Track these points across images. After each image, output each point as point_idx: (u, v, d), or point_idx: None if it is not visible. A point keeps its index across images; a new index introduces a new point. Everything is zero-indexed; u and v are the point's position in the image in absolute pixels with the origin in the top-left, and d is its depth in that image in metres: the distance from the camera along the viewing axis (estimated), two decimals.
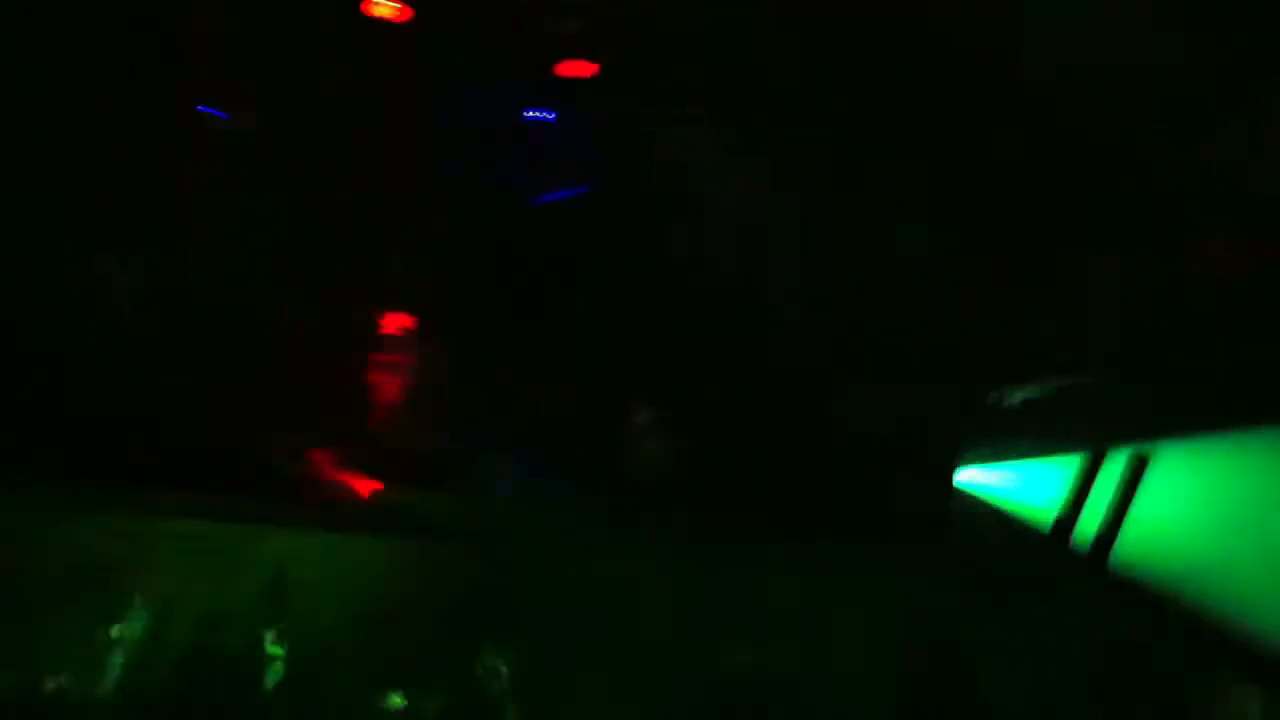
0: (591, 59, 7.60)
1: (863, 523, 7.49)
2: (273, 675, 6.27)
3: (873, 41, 7.23)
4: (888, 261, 7.61)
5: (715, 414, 7.74)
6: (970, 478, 7.81)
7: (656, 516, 7.29)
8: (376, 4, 7.36)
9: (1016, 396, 7.76)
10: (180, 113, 7.19)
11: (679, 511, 7.34)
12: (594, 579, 6.82)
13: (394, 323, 7.37)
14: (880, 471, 7.70)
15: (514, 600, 6.71)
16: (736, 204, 7.69)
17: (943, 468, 7.81)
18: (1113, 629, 7.07)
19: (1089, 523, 7.42)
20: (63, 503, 6.37)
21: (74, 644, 6.21)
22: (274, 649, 6.39)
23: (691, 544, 7.19)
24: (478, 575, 6.79)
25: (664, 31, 7.38)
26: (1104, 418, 7.52)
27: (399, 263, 7.64)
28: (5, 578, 6.10)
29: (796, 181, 7.56)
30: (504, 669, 6.39)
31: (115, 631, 6.34)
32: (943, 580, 7.33)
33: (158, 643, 6.39)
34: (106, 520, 6.42)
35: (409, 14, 7.32)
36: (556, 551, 6.92)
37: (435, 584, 6.70)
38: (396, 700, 6.32)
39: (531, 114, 7.76)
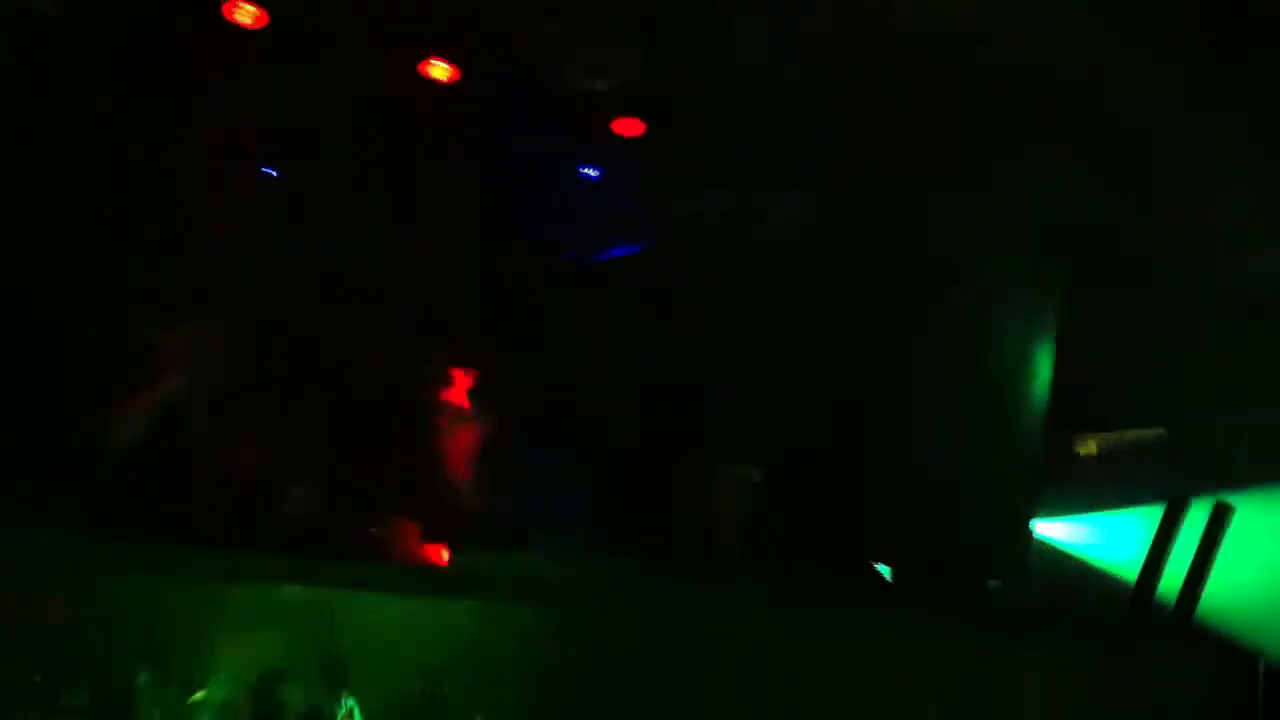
0: (640, 117, 7.62)
1: (939, 582, 7.23)
2: None
3: (924, 95, 7.09)
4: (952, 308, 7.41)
5: (787, 471, 7.58)
6: (1050, 531, 7.54)
7: (732, 578, 7.10)
8: (432, 66, 7.45)
9: (1095, 445, 7.48)
10: (237, 172, 7.34)
11: (756, 572, 7.14)
12: (672, 643, 6.64)
13: (459, 386, 7.34)
14: (958, 526, 7.45)
15: (586, 664, 6.56)
16: (794, 256, 7.60)
17: (1021, 521, 7.51)
18: (1199, 691, 6.67)
19: (1172, 578, 7.06)
20: (132, 563, 6.39)
21: (150, 708, 6.19)
22: (346, 713, 6.33)
23: (772, 606, 6.97)
24: (552, 638, 6.66)
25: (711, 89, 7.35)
26: (1184, 464, 7.19)
27: (461, 327, 7.64)
28: (78, 639, 6.13)
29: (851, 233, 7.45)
30: None
31: (194, 696, 6.33)
32: (1020, 640, 6.99)
33: (231, 709, 6.38)
34: (180, 582, 6.41)
35: (458, 74, 7.38)
36: (631, 614, 6.76)
37: (510, 647, 6.59)
38: None
39: (583, 172, 7.80)
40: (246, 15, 6.93)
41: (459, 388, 7.35)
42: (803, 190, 7.62)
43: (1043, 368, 7.48)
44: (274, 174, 7.44)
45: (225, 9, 6.91)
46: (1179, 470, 7.36)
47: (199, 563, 6.41)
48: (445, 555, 6.74)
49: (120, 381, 6.45)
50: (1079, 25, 6.40)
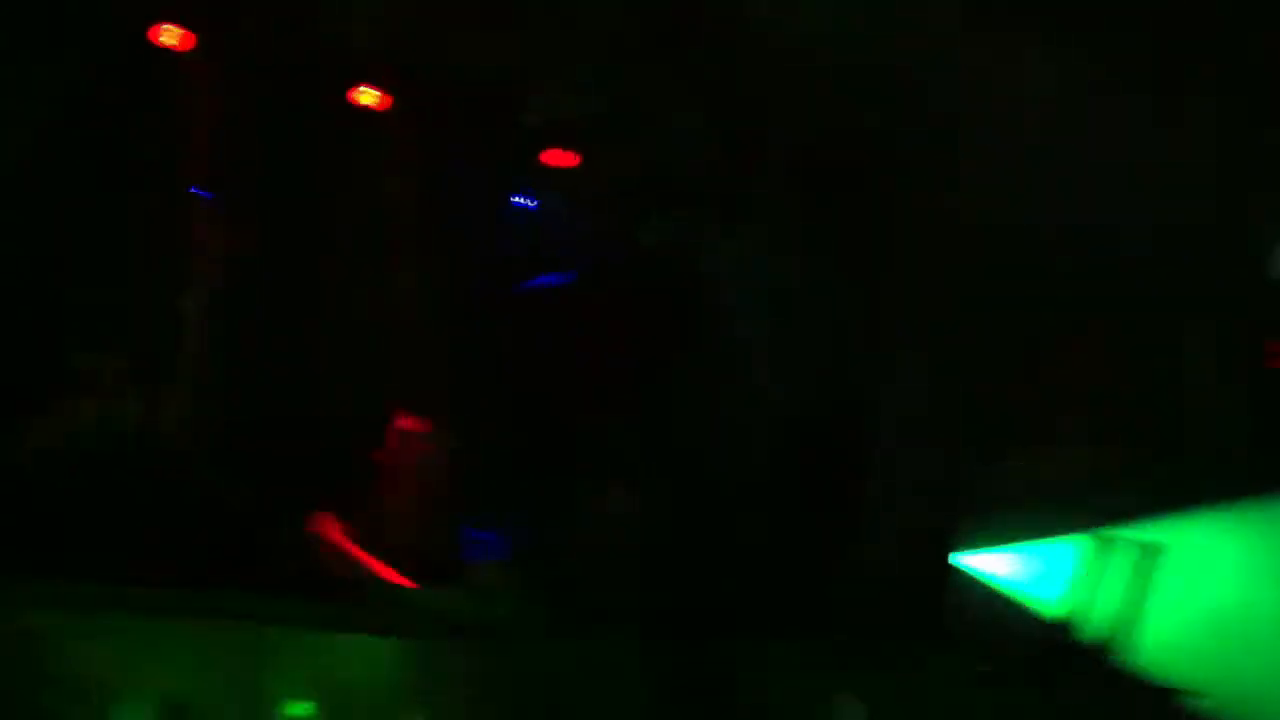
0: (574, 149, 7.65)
1: (856, 613, 7.24)
2: None
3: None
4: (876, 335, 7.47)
5: (717, 502, 7.58)
6: (972, 563, 7.55)
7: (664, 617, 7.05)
8: (362, 93, 7.43)
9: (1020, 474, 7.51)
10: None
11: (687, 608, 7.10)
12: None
13: (410, 419, 7.31)
14: (878, 557, 7.47)
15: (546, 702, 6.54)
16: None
17: (942, 551, 7.53)
18: None
19: (1099, 613, 7.11)
20: (74, 603, 6.24)
21: None
22: None
23: (693, 641, 6.95)
24: (507, 679, 6.63)
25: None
26: (1112, 497, 7.24)
27: (410, 354, 7.62)
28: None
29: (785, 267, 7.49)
30: None
31: None
32: (945, 675, 7.01)
33: None
34: (116, 621, 6.29)
35: (389, 102, 7.35)
36: (594, 655, 6.73)
37: (468, 686, 6.54)
38: None
39: (517, 201, 7.81)
40: (171, 38, 6.92)
41: (408, 421, 7.30)
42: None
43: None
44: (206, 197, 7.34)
45: (151, 33, 6.89)
46: (1108, 503, 7.38)
47: (140, 600, 6.31)
48: (401, 588, 6.61)
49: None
50: None
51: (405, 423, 6.79)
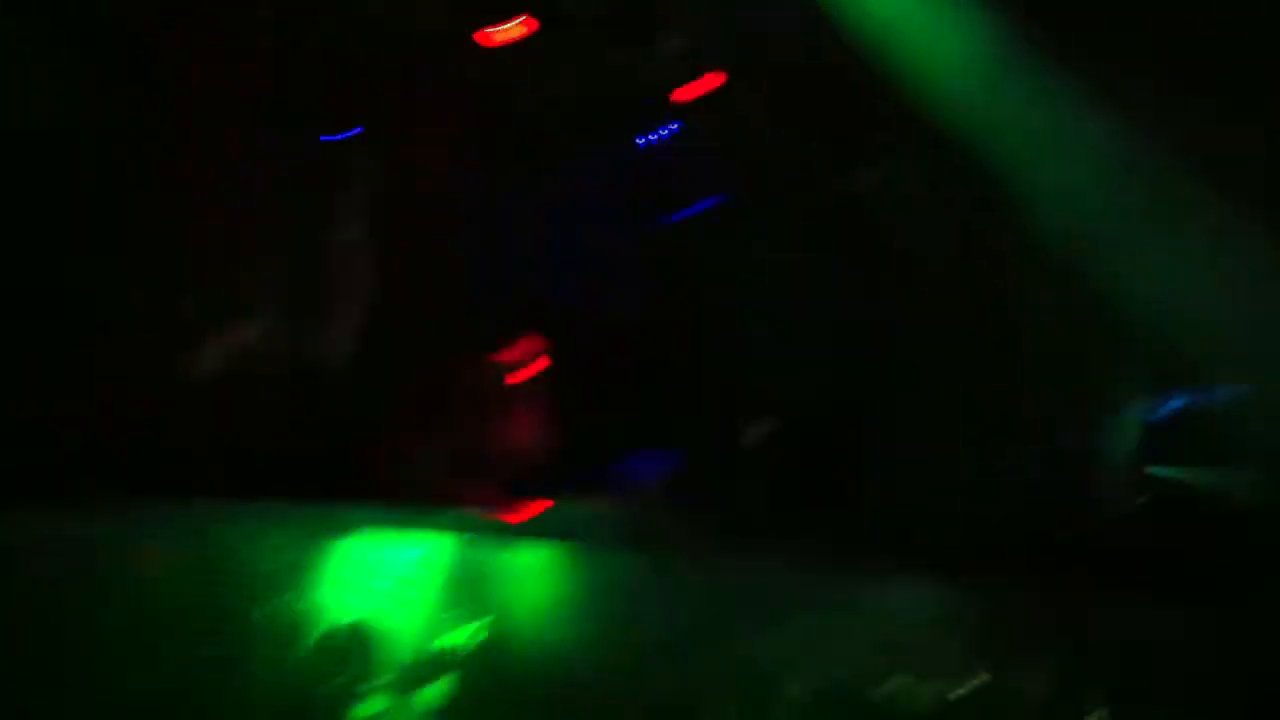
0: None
1: None
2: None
3: None
4: None
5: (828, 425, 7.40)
6: None
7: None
8: (500, 30, 7.36)
9: None
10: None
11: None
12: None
13: (530, 345, 7.32)
14: None
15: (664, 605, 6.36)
16: None
17: None
18: None
19: None
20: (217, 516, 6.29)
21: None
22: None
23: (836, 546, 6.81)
24: (633, 583, 6.47)
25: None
26: None
27: (532, 285, 7.61)
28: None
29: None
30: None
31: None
32: None
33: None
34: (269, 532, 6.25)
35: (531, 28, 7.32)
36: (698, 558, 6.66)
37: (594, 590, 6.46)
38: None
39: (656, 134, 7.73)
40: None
41: (529, 347, 7.30)
42: None
43: None
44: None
45: None
46: None
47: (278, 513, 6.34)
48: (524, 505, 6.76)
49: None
50: None
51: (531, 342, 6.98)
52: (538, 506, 6.70)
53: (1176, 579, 6.44)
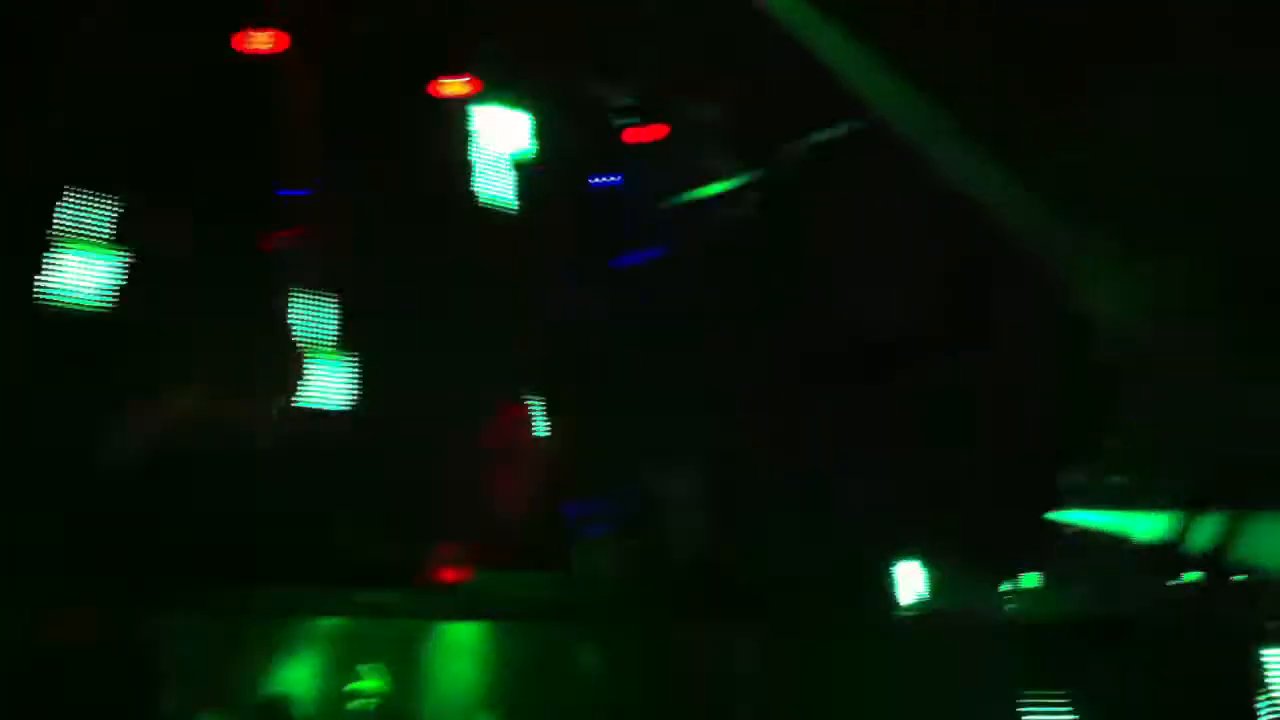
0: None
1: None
2: None
3: None
4: None
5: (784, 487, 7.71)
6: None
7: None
8: (447, 84, 7.56)
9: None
10: None
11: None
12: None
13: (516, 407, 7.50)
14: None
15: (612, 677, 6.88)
16: None
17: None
18: None
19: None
20: (169, 602, 6.34)
21: None
22: None
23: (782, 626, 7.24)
24: (580, 654, 6.99)
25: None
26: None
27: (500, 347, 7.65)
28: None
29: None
30: None
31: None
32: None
33: None
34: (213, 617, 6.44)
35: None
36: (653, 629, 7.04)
37: (541, 663, 6.88)
38: None
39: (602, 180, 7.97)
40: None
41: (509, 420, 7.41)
42: None
43: None
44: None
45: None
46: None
47: (237, 599, 6.40)
48: (469, 575, 6.91)
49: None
50: None
51: (513, 411, 7.12)
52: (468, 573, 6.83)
53: None
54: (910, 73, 7.06)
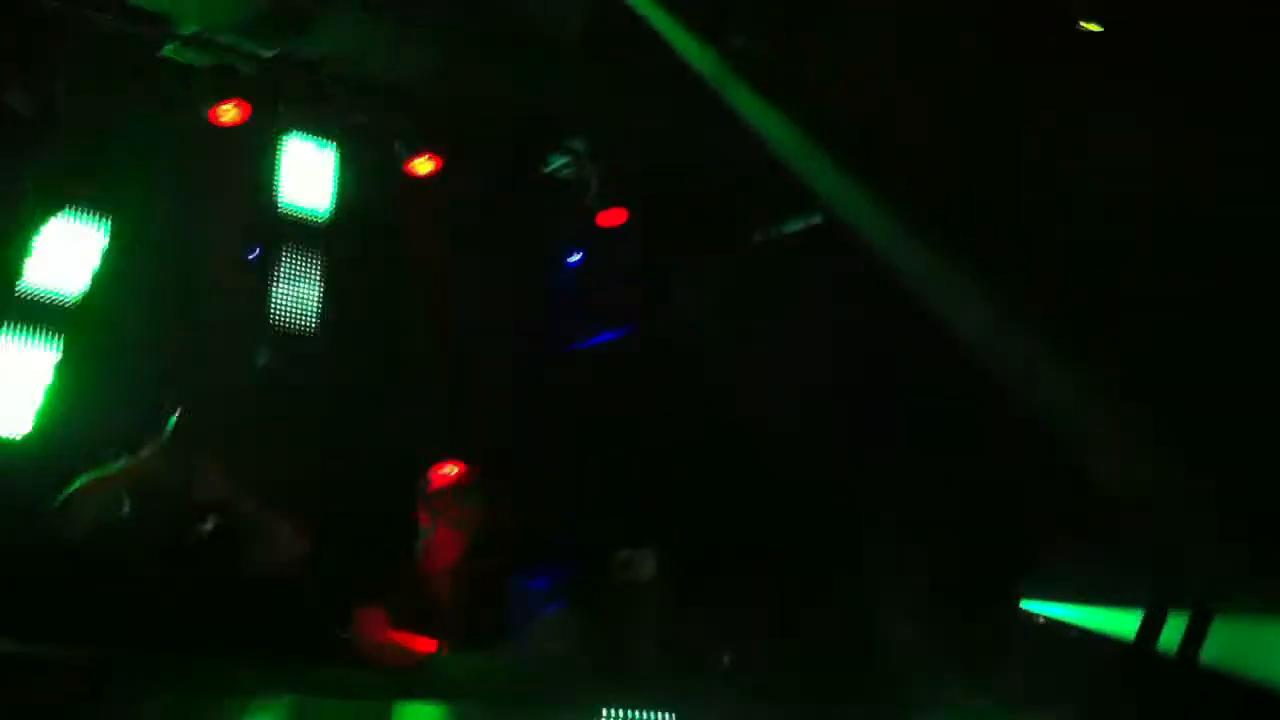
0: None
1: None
2: None
3: None
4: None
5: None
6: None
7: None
8: (417, 162, 7.59)
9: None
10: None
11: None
12: None
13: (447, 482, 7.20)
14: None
15: None
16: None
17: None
18: None
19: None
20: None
21: None
22: None
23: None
24: None
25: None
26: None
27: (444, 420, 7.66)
28: None
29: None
30: None
31: None
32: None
33: None
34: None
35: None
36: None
37: None
38: None
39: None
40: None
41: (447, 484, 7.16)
42: None
43: None
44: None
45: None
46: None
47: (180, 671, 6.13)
48: (426, 652, 6.62)
49: None
50: None
51: (448, 476, 6.86)
52: (429, 645, 6.58)
53: None
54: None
